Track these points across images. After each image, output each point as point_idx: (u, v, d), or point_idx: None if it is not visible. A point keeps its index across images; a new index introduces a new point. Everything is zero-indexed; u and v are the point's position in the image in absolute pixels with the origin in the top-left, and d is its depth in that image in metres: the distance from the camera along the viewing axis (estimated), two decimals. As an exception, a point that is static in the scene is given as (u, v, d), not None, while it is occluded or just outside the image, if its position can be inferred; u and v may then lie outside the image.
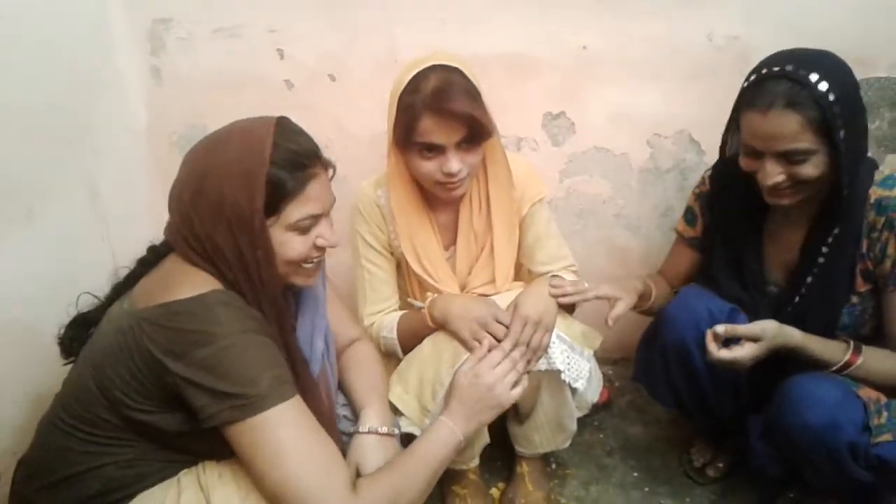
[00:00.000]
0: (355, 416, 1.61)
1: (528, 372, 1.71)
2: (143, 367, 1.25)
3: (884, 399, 1.60)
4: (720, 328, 1.64)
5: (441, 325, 1.76)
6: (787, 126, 1.54)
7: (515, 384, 1.61)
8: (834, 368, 1.63)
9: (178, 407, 1.27)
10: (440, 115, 1.63)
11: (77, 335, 1.44)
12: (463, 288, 1.91)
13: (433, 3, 2.21)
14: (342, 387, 1.70)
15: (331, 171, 1.45)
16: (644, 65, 2.25)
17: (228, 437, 1.25)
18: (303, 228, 1.36)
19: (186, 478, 1.35)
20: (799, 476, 1.70)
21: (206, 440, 1.29)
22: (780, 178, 1.59)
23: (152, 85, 2.30)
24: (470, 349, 1.67)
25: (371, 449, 1.51)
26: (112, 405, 1.29)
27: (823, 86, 1.52)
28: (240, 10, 2.23)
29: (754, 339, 1.63)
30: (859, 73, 2.24)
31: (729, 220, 1.87)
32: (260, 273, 1.32)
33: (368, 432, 1.54)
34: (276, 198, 1.30)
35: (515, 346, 1.65)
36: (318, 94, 2.32)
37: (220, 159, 1.31)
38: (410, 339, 1.83)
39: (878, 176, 1.67)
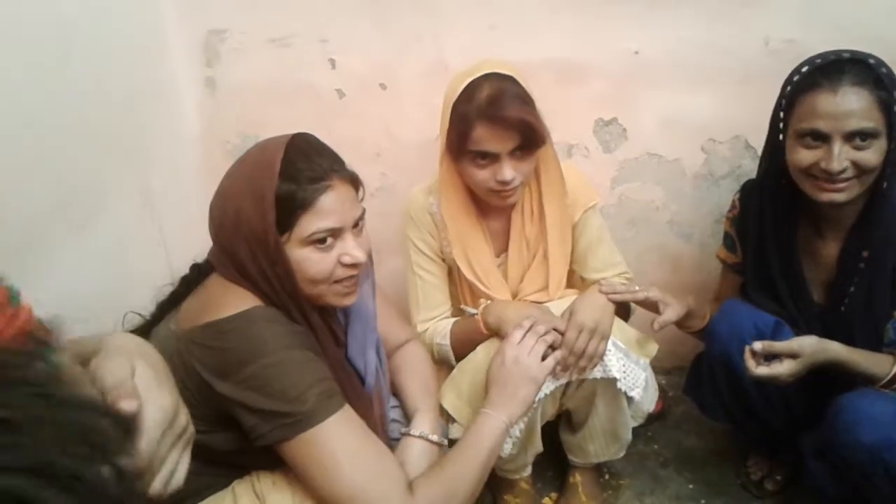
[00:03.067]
0: (406, 419, 1.61)
1: (583, 380, 1.69)
2: (193, 388, 1.26)
3: None
4: (757, 345, 1.61)
5: (495, 332, 1.75)
6: (858, 102, 1.53)
7: (545, 358, 1.59)
8: (882, 383, 1.58)
9: (230, 426, 1.28)
10: (494, 123, 1.62)
11: None
12: (515, 295, 1.90)
13: (482, 10, 2.21)
14: (393, 389, 1.69)
15: (357, 187, 1.40)
16: (697, 69, 2.21)
17: (282, 453, 1.26)
18: (320, 244, 1.31)
19: (240, 487, 1.36)
20: (859, 494, 1.64)
21: (257, 457, 1.30)
22: (846, 162, 1.55)
23: (206, 95, 2.33)
24: None
25: (417, 453, 1.50)
26: None
27: (884, 68, 1.53)
28: (292, 20, 2.25)
29: (793, 356, 1.59)
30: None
31: (761, 241, 1.83)
32: (284, 290, 1.31)
33: (420, 437, 1.53)
34: (287, 212, 1.28)
35: (570, 352, 1.64)
36: (369, 102, 2.33)
37: (236, 179, 1.33)
38: (464, 346, 1.82)
39: None
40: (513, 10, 2.20)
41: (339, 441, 1.24)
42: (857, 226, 1.68)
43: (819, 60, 1.61)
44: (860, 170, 1.57)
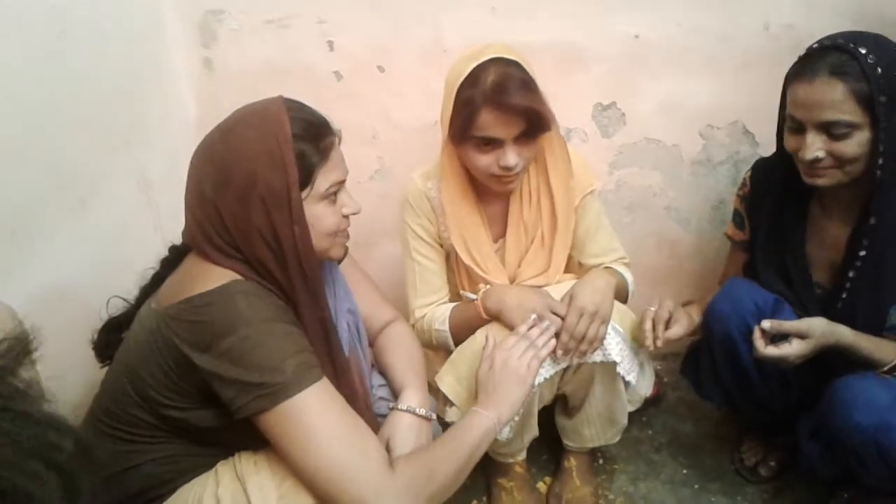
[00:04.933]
0: (394, 397, 1.61)
1: (581, 364, 1.69)
2: (174, 364, 1.26)
3: None
4: (766, 324, 1.61)
5: (495, 316, 1.75)
6: (830, 94, 1.52)
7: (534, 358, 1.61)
8: (885, 369, 1.59)
9: (211, 402, 1.28)
10: (500, 108, 1.61)
11: (110, 339, 1.46)
12: (513, 280, 1.90)
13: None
14: (380, 368, 1.70)
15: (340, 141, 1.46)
16: (696, 54, 2.20)
17: (260, 426, 1.25)
18: (332, 197, 1.38)
19: (223, 468, 1.36)
20: (852, 477, 1.65)
21: (241, 433, 1.29)
22: (821, 153, 1.56)
23: (203, 76, 2.31)
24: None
25: (405, 427, 1.51)
26: (148, 405, 1.31)
27: (871, 58, 1.50)
28: (290, 1, 2.23)
29: (802, 337, 1.59)
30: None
31: (770, 220, 1.83)
32: (297, 251, 1.32)
33: (406, 411, 1.54)
34: (307, 169, 1.32)
35: (571, 336, 1.65)
36: (367, 84, 2.31)
37: (241, 144, 1.31)
38: (463, 331, 1.82)
39: None
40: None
41: (316, 413, 1.24)
42: (865, 209, 1.68)
43: (815, 45, 1.61)
44: (838, 160, 1.57)
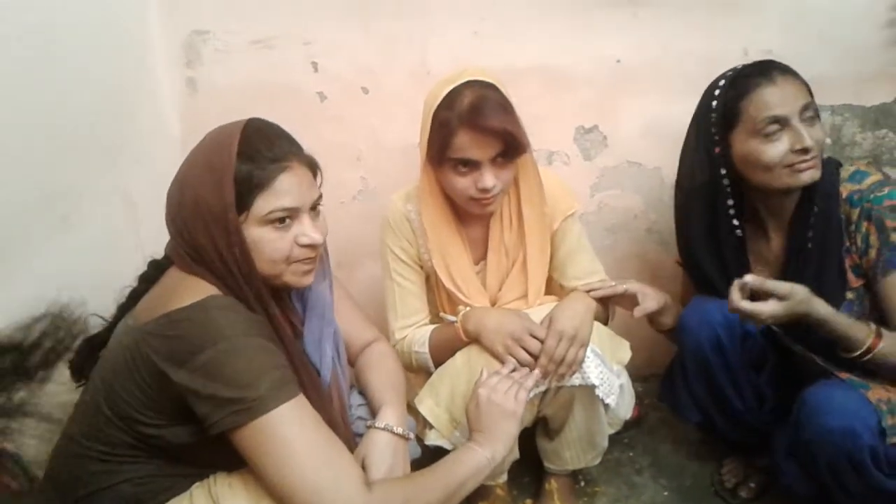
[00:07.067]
0: (373, 416, 1.60)
1: (561, 387, 1.69)
2: (150, 379, 1.25)
3: (894, 397, 1.58)
4: (749, 278, 1.62)
5: (474, 339, 1.76)
6: (797, 84, 1.70)
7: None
8: (858, 352, 1.59)
9: (187, 418, 1.27)
10: (476, 130, 1.63)
11: (87, 358, 1.44)
12: (493, 303, 1.90)
13: (466, 16, 2.22)
14: (360, 387, 1.69)
15: (315, 171, 1.43)
16: (678, 78, 2.23)
17: (235, 443, 1.24)
18: (277, 223, 1.33)
19: (198, 490, 1.35)
20: (830, 495, 1.66)
21: (216, 451, 1.28)
22: (811, 140, 1.65)
23: (187, 96, 2.32)
24: (503, 362, 1.68)
25: (381, 446, 1.50)
26: (123, 423, 1.30)
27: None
28: (276, 22, 2.24)
29: (780, 299, 1.59)
30: (891, 90, 2.25)
31: (710, 246, 1.88)
32: (241, 273, 1.32)
33: (384, 429, 1.53)
34: (245, 191, 1.30)
35: (550, 360, 1.65)
36: (351, 106, 2.33)
37: (193, 164, 1.35)
38: (443, 353, 1.82)
39: (844, 173, 1.74)
40: (497, 16, 2.21)
41: (291, 429, 1.23)
42: (797, 215, 1.75)
43: (730, 72, 1.80)
44: (819, 146, 1.67)
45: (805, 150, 1.65)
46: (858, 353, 1.59)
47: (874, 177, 1.71)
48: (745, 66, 1.77)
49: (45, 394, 0.92)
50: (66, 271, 1.75)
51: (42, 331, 0.63)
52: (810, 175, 1.67)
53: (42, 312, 0.64)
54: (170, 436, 1.30)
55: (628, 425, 2.18)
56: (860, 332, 1.60)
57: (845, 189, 1.71)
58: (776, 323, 1.63)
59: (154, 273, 1.45)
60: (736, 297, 1.62)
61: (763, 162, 1.69)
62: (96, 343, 1.45)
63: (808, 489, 1.69)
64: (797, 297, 1.59)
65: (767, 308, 1.58)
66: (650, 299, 1.83)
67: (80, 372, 1.45)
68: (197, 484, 1.36)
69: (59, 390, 1.51)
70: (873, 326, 1.61)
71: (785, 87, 1.68)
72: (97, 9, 1.91)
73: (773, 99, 1.67)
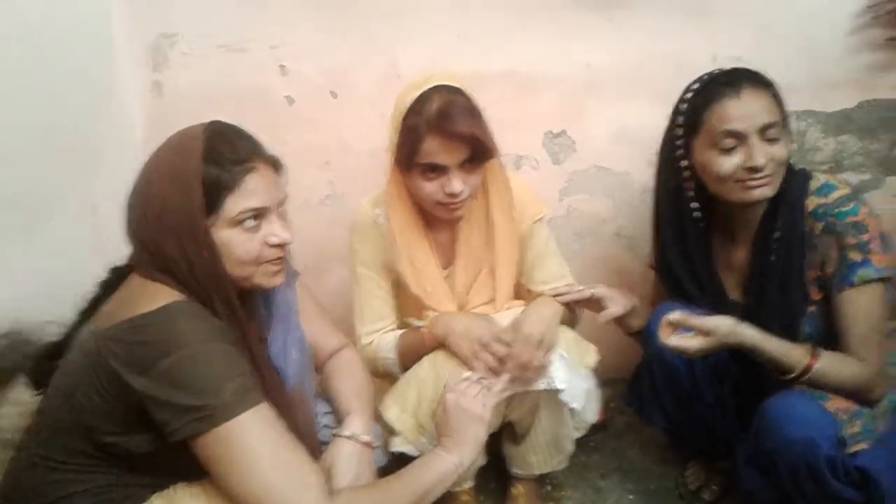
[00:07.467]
0: (339, 424, 1.59)
1: (527, 391, 1.70)
2: (109, 386, 1.23)
3: (854, 407, 1.61)
4: (674, 315, 1.64)
5: (441, 343, 1.76)
6: (763, 99, 1.67)
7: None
8: (795, 374, 1.61)
9: (147, 427, 1.25)
10: (444, 136, 1.63)
11: (45, 366, 1.41)
12: (461, 307, 1.91)
13: (436, 21, 2.22)
14: (327, 394, 1.68)
15: (279, 170, 1.42)
16: (647, 83, 2.25)
17: (196, 451, 1.23)
18: (246, 224, 1.33)
19: (158, 501, 1.33)
20: (788, 500, 1.67)
21: (177, 460, 1.26)
22: (764, 159, 1.64)
23: (153, 99, 2.29)
24: (471, 367, 1.68)
25: (346, 454, 1.50)
26: (83, 431, 1.28)
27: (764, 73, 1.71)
28: (245, 25, 2.23)
29: (705, 334, 1.62)
30: (860, 95, 2.29)
31: (680, 251, 1.89)
32: (208, 276, 1.31)
33: (350, 437, 1.52)
34: (213, 194, 1.29)
35: (516, 364, 1.66)
36: (319, 110, 2.32)
37: (156, 168, 1.33)
38: (410, 359, 1.82)
39: (813, 185, 1.73)
40: (467, 21, 2.21)
41: (254, 436, 1.22)
42: (763, 226, 1.77)
43: (706, 77, 1.75)
44: (777, 164, 1.67)
45: (754, 170, 1.65)
46: (794, 374, 1.61)
47: (841, 190, 1.69)
48: (721, 73, 1.74)
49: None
50: (29, 277, 1.72)
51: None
52: (761, 192, 1.67)
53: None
54: (129, 444, 1.28)
55: (595, 429, 2.19)
56: (794, 354, 1.61)
57: (812, 202, 1.70)
58: (706, 355, 1.66)
59: (115, 279, 1.42)
60: (663, 333, 1.65)
61: (716, 174, 1.70)
62: (55, 351, 1.42)
63: (768, 496, 1.71)
64: (721, 331, 1.61)
65: (693, 344, 1.62)
66: (617, 303, 1.84)
67: (38, 380, 1.42)
68: (157, 494, 1.34)
69: (12, 412, 1.50)
70: (810, 347, 1.62)
71: (750, 101, 1.66)
72: (62, 11, 1.88)
73: (734, 112, 1.66)
